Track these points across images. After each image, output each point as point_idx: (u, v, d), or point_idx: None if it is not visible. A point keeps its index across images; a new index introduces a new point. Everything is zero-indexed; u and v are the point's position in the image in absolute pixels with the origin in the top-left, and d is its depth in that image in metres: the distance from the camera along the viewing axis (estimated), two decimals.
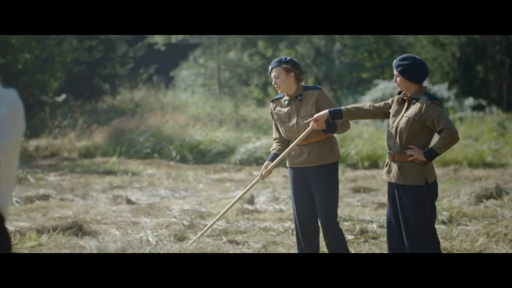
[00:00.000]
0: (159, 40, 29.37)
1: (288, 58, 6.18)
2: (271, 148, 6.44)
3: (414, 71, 5.52)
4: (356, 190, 11.60)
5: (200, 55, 30.33)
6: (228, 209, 6.88)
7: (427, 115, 5.45)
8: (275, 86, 6.14)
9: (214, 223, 6.99)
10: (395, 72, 5.60)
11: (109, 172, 14.67)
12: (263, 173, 6.30)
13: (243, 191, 6.81)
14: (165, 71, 30.74)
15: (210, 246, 6.94)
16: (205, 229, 7.07)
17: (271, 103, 6.40)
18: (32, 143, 18.36)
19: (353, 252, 6.84)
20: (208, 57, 29.76)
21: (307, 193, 6.24)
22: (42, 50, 22.59)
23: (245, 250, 6.74)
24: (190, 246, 6.82)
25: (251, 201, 10.21)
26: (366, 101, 21.28)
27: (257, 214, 9.19)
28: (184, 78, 30.75)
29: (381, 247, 7.26)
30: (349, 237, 7.65)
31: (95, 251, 6.86)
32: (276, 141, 6.38)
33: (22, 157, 17.67)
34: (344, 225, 8.29)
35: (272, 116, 6.39)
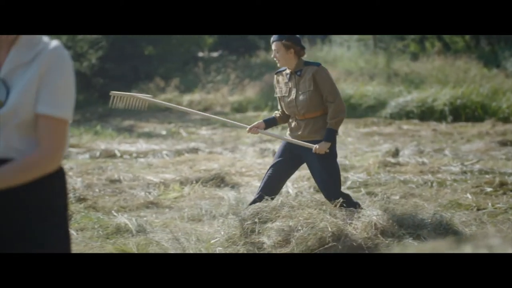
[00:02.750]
0: None
1: (291, 34, 6.02)
2: (276, 111, 6.43)
3: None
4: (503, 144, 11.36)
5: None
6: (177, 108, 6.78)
7: None
8: (275, 59, 6.08)
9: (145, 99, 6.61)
10: None
11: None
12: (250, 126, 6.30)
13: (228, 120, 6.88)
14: None
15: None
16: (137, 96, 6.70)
17: (275, 75, 6.33)
18: (186, 98, 18.99)
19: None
20: None
21: (291, 164, 6.20)
22: None
23: (379, 201, 6.78)
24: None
25: (395, 154, 10.22)
26: None
27: (399, 167, 9.21)
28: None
29: None
30: (487, 189, 7.58)
31: (233, 202, 7.10)
32: (281, 109, 6.35)
33: (176, 111, 18.35)
34: (484, 178, 8.20)
35: (275, 88, 6.32)
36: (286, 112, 6.30)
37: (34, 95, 2.72)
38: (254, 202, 6.15)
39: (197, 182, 8.38)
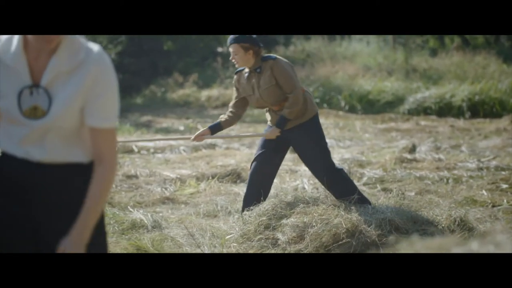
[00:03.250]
0: None
1: (248, 35, 5.99)
2: (222, 115, 6.39)
3: None
4: None
5: None
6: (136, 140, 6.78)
7: None
8: (233, 61, 6.06)
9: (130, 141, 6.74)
10: None
11: None
12: (194, 137, 6.34)
13: (165, 138, 6.73)
14: None
15: (364, 194, 7.06)
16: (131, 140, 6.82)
17: (235, 75, 6.30)
18: (204, 93, 19.04)
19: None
20: None
21: (279, 145, 6.23)
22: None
23: (394, 197, 6.79)
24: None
25: (412, 150, 10.22)
26: None
27: (415, 163, 9.21)
28: None
29: None
30: (503, 186, 7.57)
31: None
32: (229, 109, 6.31)
33: (194, 106, 18.43)
34: (500, 174, 8.19)
35: (236, 86, 6.29)
36: (256, 108, 6.35)
37: (79, 105, 2.76)
38: (248, 200, 6.21)
39: (213, 178, 8.42)
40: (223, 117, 6.32)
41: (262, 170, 6.23)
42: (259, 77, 6.10)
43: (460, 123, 14.62)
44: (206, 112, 17.34)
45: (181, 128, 14.64)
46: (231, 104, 6.39)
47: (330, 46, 24.50)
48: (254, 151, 10.93)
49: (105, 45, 21.06)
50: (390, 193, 7.39)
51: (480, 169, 8.65)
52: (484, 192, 7.34)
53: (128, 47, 20.81)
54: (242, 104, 6.33)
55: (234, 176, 8.47)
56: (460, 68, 18.95)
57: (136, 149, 11.28)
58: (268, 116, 6.33)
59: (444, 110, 15.98)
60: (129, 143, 11.17)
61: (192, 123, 15.18)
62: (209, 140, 12.11)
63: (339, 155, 10.17)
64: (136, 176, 8.80)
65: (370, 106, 17.02)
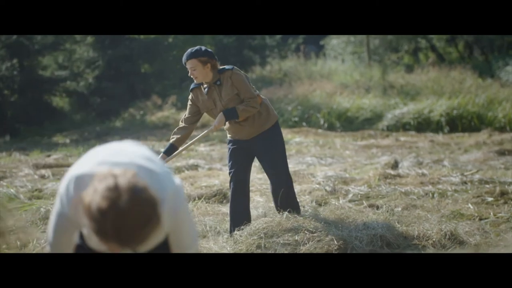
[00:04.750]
0: None
1: (203, 48, 6.07)
2: (172, 133, 6.43)
3: None
4: (501, 153, 11.46)
5: None
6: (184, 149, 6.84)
7: None
8: (192, 76, 6.10)
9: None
10: None
11: None
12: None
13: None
14: (315, 40, 30.90)
15: (351, 211, 7.10)
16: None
17: (191, 92, 6.32)
18: (183, 115, 19.03)
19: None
20: None
21: (247, 159, 6.35)
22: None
23: (383, 213, 6.83)
24: None
25: (394, 166, 10.27)
26: None
27: (399, 179, 9.25)
28: (334, 46, 30.78)
29: None
30: (488, 199, 7.63)
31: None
32: (182, 124, 6.39)
33: (174, 128, 18.39)
34: (484, 187, 8.25)
35: (193, 103, 6.32)
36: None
37: None
38: (235, 219, 6.27)
39: (199, 198, 8.41)
40: (174, 137, 6.36)
41: (241, 188, 6.31)
42: (219, 89, 6.15)
43: (440, 137, 14.74)
44: None
45: (162, 150, 14.56)
46: (183, 119, 6.43)
47: (306, 64, 24.62)
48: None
49: (82, 69, 21.05)
50: (377, 209, 7.47)
51: (464, 183, 8.71)
52: (470, 205, 7.39)
53: (106, 70, 20.79)
54: (195, 119, 6.40)
55: (220, 196, 8.47)
56: (437, 83, 19.14)
57: None
58: (227, 127, 6.38)
59: (423, 125, 16.11)
60: None
61: None
62: (190, 161, 12.15)
63: (322, 173, 10.18)
64: None
65: (349, 123, 17.11)
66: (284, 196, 6.28)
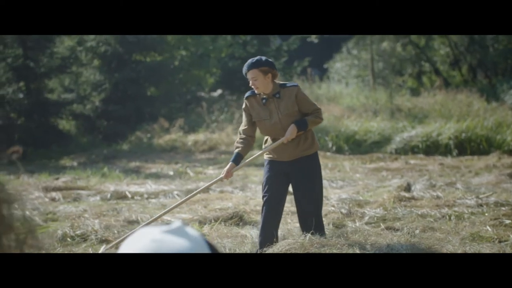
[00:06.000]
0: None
1: (264, 58, 6.12)
2: (235, 144, 6.44)
3: None
4: None
5: (353, 46, 30.37)
6: (182, 203, 6.89)
7: None
8: (253, 87, 6.12)
9: (162, 215, 6.98)
10: None
11: None
12: (223, 174, 6.36)
13: (202, 187, 6.87)
14: (319, 63, 31.02)
15: (370, 233, 7.09)
16: (151, 219, 7.08)
17: (246, 100, 6.35)
18: (191, 138, 19.05)
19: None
20: (361, 48, 29.75)
21: (283, 185, 6.36)
22: (198, 47, 23.39)
23: (404, 235, 6.81)
24: (109, 248, 6.83)
25: (407, 188, 10.26)
26: None
27: (414, 201, 9.24)
28: (337, 70, 30.91)
29: None
30: (506, 221, 7.62)
31: (256, 240, 7.08)
32: (242, 136, 6.38)
33: (181, 151, 18.43)
34: (501, 210, 8.24)
35: (247, 112, 6.34)
36: (265, 134, 6.40)
37: None
38: (263, 242, 6.24)
39: (216, 221, 8.39)
40: (239, 146, 6.37)
41: (273, 216, 6.28)
42: (278, 102, 6.15)
43: (449, 160, 14.73)
44: (194, 157, 17.31)
45: (171, 173, 14.59)
46: (242, 130, 6.43)
47: (311, 88, 24.68)
48: (249, 194, 11.06)
49: (89, 92, 21.07)
50: (396, 231, 7.45)
51: (480, 205, 8.70)
52: (488, 228, 7.38)
53: (112, 93, 20.83)
54: (253, 129, 6.42)
55: (236, 218, 8.46)
56: (444, 106, 19.17)
57: (129, 195, 11.24)
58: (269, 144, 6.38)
59: (431, 148, 16.10)
60: (125, 191, 11.14)
61: (181, 167, 15.16)
62: (200, 184, 12.15)
63: (335, 196, 10.18)
64: (137, 222, 8.75)
65: (357, 146, 17.10)
66: (313, 224, 6.27)
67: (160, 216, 6.98)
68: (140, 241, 2.62)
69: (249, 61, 6.14)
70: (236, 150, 6.38)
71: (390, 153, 16.29)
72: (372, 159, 15.56)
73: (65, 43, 20.82)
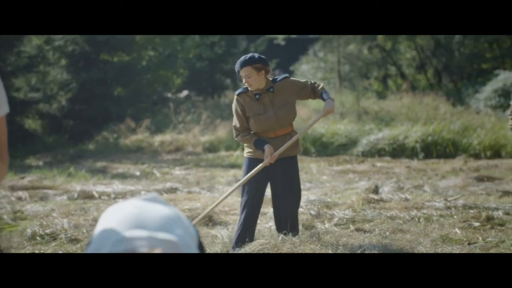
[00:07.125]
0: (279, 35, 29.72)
1: (257, 55, 6.11)
2: (244, 138, 6.31)
3: None
4: (480, 179, 11.57)
5: (320, 49, 30.49)
6: (226, 196, 6.71)
7: None
8: (246, 84, 6.12)
9: (210, 210, 6.86)
10: None
11: (233, 166, 15.02)
12: (269, 158, 6.15)
13: (250, 174, 6.30)
14: (285, 65, 31.07)
15: (341, 234, 7.11)
16: (199, 216, 6.97)
17: (238, 97, 6.27)
18: (157, 138, 18.99)
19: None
20: (328, 50, 29.87)
21: (263, 185, 6.34)
22: (166, 47, 23.30)
23: (375, 236, 6.84)
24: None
25: (375, 191, 10.31)
26: (486, 92, 20.89)
27: (382, 204, 9.28)
28: (304, 72, 30.99)
29: (507, 233, 7.26)
30: (475, 224, 7.69)
31: (226, 240, 7.07)
32: (243, 131, 6.31)
33: (148, 152, 18.35)
34: (469, 213, 8.32)
35: (240, 108, 6.26)
36: (259, 130, 6.28)
37: None
38: (238, 241, 6.22)
39: None
40: (251, 134, 6.29)
41: (256, 213, 6.26)
42: (273, 96, 6.15)
43: (415, 163, 14.84)
44: (160, 157, 17.26)
45: (137, 173, 14.52)
46: (240, 127, 6.34)
47: None
48: (216, 194, 11.03)
49: (56, 92, 20.89)
50: (365, 233, 7.48)
51: (448, 208, 8.77)
52: (457, 230, 7.44)
53: (79, 93, 20.68)
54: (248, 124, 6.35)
55: (206, 219, 8.43)
56: (411, 110, 19.31)
57: (96, 195, 11.16)
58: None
59: (398, 151, 16.21)
60: (90, 192, 11.07)
61: (148, 168, 15.10)
62: (167, 184, 12.10)
63: (303, 197, 10.17)
64: None
65: (324, 148, 17.16)
66: (290, 225, 6.27)
67: (212, 209, 6.82)
68: (123, 209, 2.70)
69: (242, 58, 6.09)
70: (255, 138, 6.24)
71: (357, 156, 16.38)
72: (339, 161, 15.62)
73: (32, 42, 20.63)
